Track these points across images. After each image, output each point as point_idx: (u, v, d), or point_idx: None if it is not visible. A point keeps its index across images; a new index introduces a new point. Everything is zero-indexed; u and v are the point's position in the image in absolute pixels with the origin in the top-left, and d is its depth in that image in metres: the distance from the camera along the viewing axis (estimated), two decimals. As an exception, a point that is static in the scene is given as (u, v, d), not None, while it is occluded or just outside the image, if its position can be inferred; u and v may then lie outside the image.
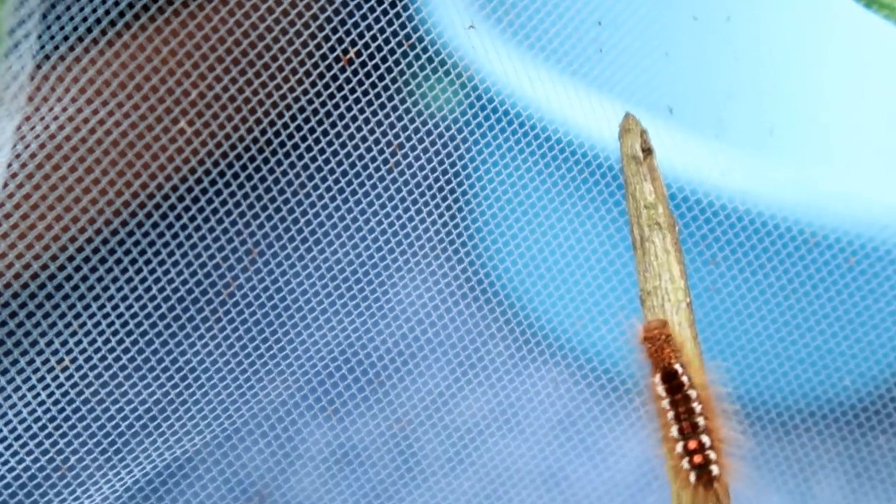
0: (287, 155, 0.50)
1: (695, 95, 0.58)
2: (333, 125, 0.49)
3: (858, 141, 0.73)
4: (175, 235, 0.48)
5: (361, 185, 0.52)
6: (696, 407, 0.37)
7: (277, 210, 0.53)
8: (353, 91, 0.47)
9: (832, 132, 0.72)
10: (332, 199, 0.52)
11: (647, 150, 0.45)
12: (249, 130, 0.57)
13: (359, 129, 0.49)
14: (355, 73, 0.47)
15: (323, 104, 0.48)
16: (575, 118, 0.56)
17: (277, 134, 0.51)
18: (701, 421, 0.37)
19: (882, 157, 0.72)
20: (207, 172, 0.51)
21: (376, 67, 0.47)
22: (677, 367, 0.38)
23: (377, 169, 0.51)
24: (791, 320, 0.57)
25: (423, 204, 0.51)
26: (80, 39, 0.34)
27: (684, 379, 0.38)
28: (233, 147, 0.57)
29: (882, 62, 0.70)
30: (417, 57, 0.49)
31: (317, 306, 0.55)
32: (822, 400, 0.65)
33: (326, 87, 0.48)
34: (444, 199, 0.56)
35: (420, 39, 0.50)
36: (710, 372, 0.38)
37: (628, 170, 0.45)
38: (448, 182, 0.62)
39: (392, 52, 0.47)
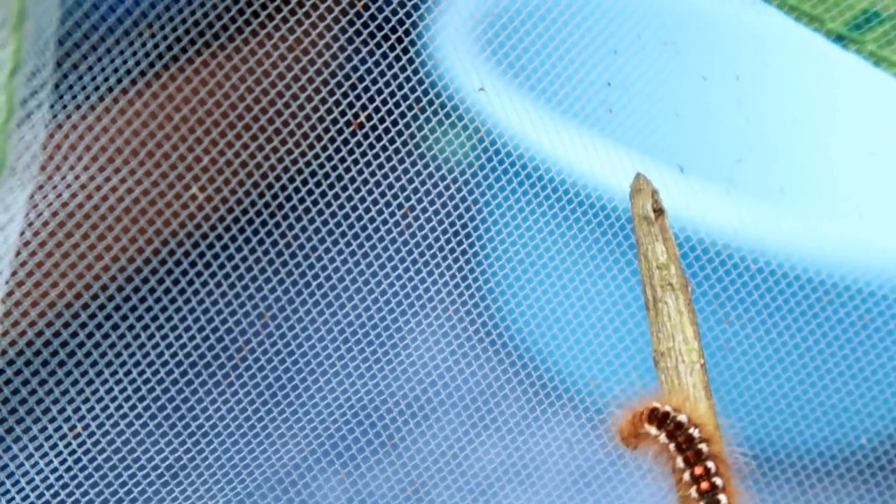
0: (299, 215, 0.50)
1: (705, 154, 0.58)
2: (344, 182, 0.50)
3: (869, 196, 0.73)
4: (187, 300, 0.48)
5: (374, 240, 0.52)
6: (696, 433, 0.37)
7: (290, 273, 0.53)
8: (363, 145, 0.47)
9: (843, 189, 0.72)
10: (345, 255, 0.52)
11: (659, 211, 0.45)
12: (261, 195, 0.57)
13: (370, 183, 0.49)
14: (363, 126, 0.47)
15: (334, 162, 0.48)
16: (587, 170, 0.56)
17: (289, 195, 0.51)
18: (704, 447, 0.37)
19: (893, 210, 0.72)
20: (219, 237, 0.51)
21: (387, 121, 0.47)
22: (665, 408, 0.38)
23: (390, 224, 0.51)
24: (806, 378, 0.57)
25: (436, 257, 0.51)
26: (92, 108, 0.35)
27: (678, 416, 0.38)
28: (244, 210, 0.57)
29: (890, 118, 0.71)
30: (431, 110, 0.50)
31: (329, 368, 0.55)
32: (836, 453, 0.64)
33: (337, 143, 0.48)
34: (457, 252, 0.56)
35: (434, 94, 0.50)
36: (723, 429, 0.38)
37: (640, 230, 0.45)
38: (461, 235, 0.62)
39: (403, 105, 0.47)
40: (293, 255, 0.53)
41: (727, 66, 0.56)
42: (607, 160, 0.51)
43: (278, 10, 0.43)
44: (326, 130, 0.48)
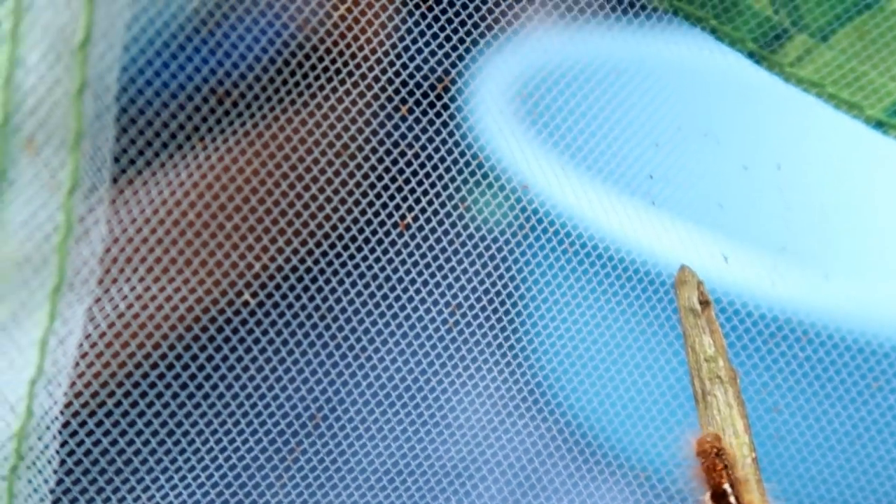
0: (341, 288, 0.50)
1: (749, 243, 0.58)
2: (383, 248, 0.50)
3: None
4: (240, 405, 0.49)
5: (415, 301, 0.52)
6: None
7: (334, 365, 0.54)
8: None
9: (888, 273, 0.72)
10: (386, 322, 0.52)
11: (705, 302, 0.46)
12: (298, 278, 0.58)
13: (408, 247, 0.50)
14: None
15: (373, 226, 0.49)
16: (630, 236, 0.57)
17: (334, 270, 0.51)
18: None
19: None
20: (265, 332, 0.52)
21: (425, 184, 0.48)
22: (726, 486, 0.38)
23: (430, 285, 0.52)
24: (857, 466, 0.56)
25: (477, 319, 0.52)
26: (147, 220, 0.36)
27: (732, 500, 0.38)
28: (284, 296, 0.58)
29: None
30: (471, 174, 0.50)
31: (380, 469, 0.55)
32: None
33: (377, 208, 0.48)
34: (498, 313, 0.57)
35: (473, 157, 0.51)
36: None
37: (686, 322, 0.46)
38: (501, 296, 0.63)
39: (440, 168, 0.48)
40: (332, 333, 0.53)
41: (768, 155, 0.56)
42: (651, 221, 0.52)
43: (316, 78, 0.45)
44: (371, 205, 0.48)
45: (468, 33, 0.48)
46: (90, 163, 0.33)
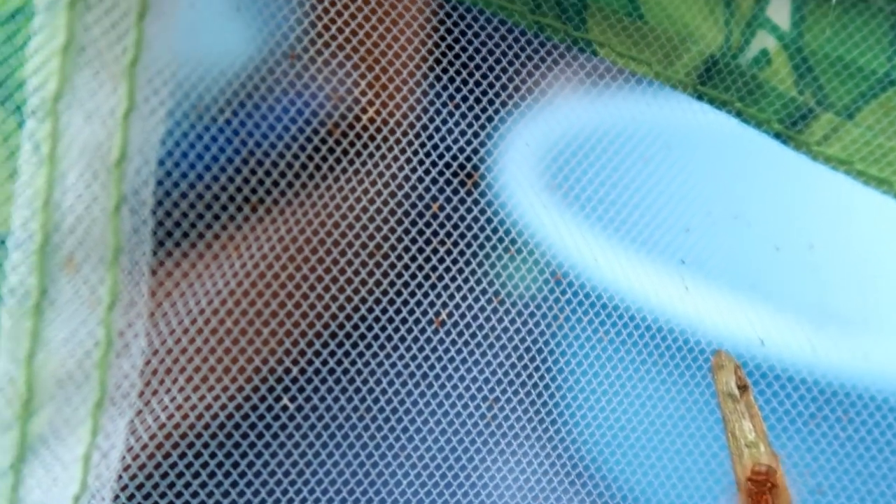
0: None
1: (784, 324, 0.58)
2: (416, 314, 0.50)
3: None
4: (276, 495, 0.49)
5: (449, 370, 0.52)
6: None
7: (369, 456, 0.54)
8: (428, 277, 0.48)
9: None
10: (415, 397, 0.52)
11: (743, 387, 0.46)
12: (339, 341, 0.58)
13: (439, 314, 0.50)
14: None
15: (404, 298, 0.49)
16: (664, 304, 0.57)
17: (366, 362, 0.52)
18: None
19: None
20: (285, 409, 0.52)
21: (454, 252, 0.48)
22: None
23: (464, 353, 0.52)
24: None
25: (511, 368, 0.52)
26: (186, 331, 0.36)
27: None
28: (317, 372, 0.58)
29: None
30: (495, 232, 0.51)
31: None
32: None
33: (406, 279, 0.49)
34: (532, 381, 0.56)
35: (505, 232, 0.51)
36: None
37: (725, 407, 0.45)
38: (534, 363, 0.62)
39: (467, 237, 0.49)
40: (365, 424, 0.53)
41: (799, 236, 0.56)
42: (685, 286, 0.52)
43: (344, 152, 0.45)
44: (399, 257, 0.49)
45: (494, 103, 0.49)
46: (128, 277, 0.34)
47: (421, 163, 0.48)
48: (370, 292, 0.52)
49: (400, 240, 0.49)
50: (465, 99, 0.48)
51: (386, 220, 0.50)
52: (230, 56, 0.44)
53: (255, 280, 0.46)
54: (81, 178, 0.33)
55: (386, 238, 0.50)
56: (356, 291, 0.50)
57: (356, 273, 0.50)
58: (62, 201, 0.33)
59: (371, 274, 0.50)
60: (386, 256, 0.49)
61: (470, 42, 0.47)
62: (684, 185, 0.56)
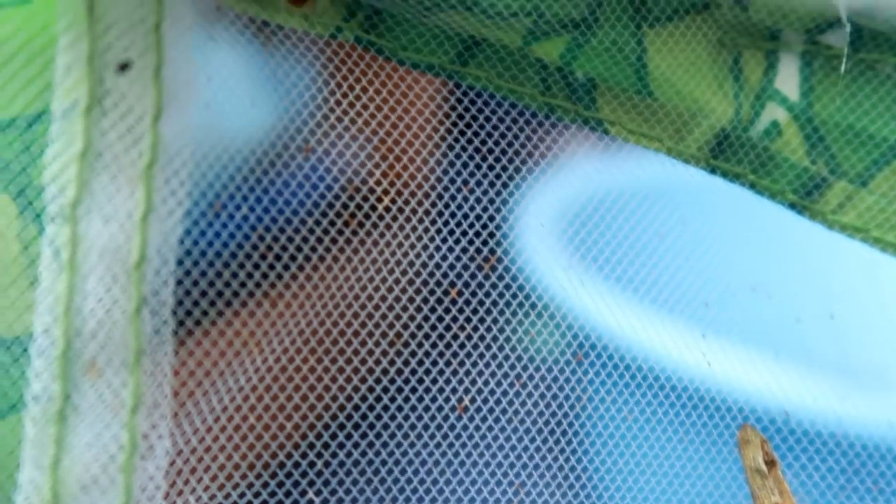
0: (390, 419, 0.50)
1: (809, 395, 0.58)
2: (434, 381, 0.50)
3: None
4: None
5: (470, 429, 0.52)
6: None
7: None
8: (452, 341, 0.48)
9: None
10: (440, 485, 0.52)
11: (771, 462, 0.45)
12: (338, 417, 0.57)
13: (465, 382, 0.50)
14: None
15: (425, 364, 0.49)
16: (689, 363, 0.56)
17: (375, 403, 0.51)
18: None
19: None
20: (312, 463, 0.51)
21: (475, 312, 0.48)
22: None
23: (490, 420, 0.51)
24: None
25: (536, 451, 0.51)
26: (210, 429, 0.36)
27: None
28: (341, 445, 0.58)
29: None
30: (519, 304, 0.51)
31: None
32: None
33: (426, 348, 0.49)
34: (559, 463, 0.56)
35: (523, 295, 0.51)
36: None
37: (754, 483, 0.45)
38: (560, 443, 0.62)
39: (486, 300, 0.49)
40: (379, 466, 0.52)
41: (820, 306, 0.56)
42: (708, 354, 0.52)
43: (360, 225, 0.45)
44: (420, 345, 0.49)
45: (508, 171, 0.49)
46: (151, 379, 0.34)
47: (438, 243, 0.48)
48: (390, 379, 0.52)
49: (420, 326, 0.49)
50: (478, 167, 0.49)
51: (401, 301, 0.50)
52: (246, 151, 0.45)
53: (275, 372, 0.46)
54: (101, 282, 0.33)
55: (405, 324, 0.50)
56: (375, 378, 0.50)
57: (374, 358, 0.50)
58: (83, 306, 0.33)
59: (390, 360, 0.50)
60: (406, 343, 0.49)
61: (481, 116, 0.47)
62: (702, 259, 0.56)
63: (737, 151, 0.47)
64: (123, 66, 0.33)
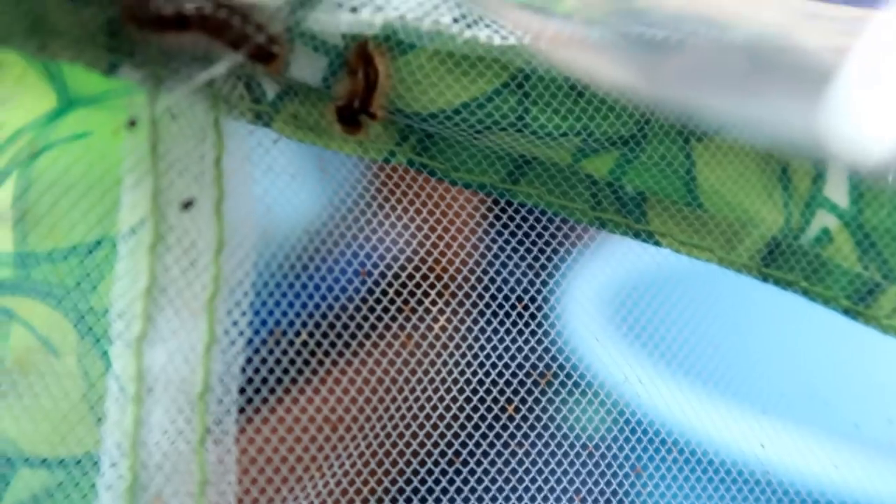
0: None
1: (869, 490, 0.57)
2: (482, 463, 0.50)
3: None
4: None
5: None
6: None
7: None
8: (507, 428, 0.48)
9: None
10: None
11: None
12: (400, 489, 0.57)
13: (512, 464, 0.49)
14: (505, 410, 0.48)
15: (477, 444, 0.48)
16: (743, 448, 0.56)
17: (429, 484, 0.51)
18: None
19: None
20: None
21: (522, 395, 0.48)
22: None
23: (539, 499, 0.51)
24: None
25: None
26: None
27: None
28: None
29: None
30: (563, 384, 0.50)
31: None
32: None
33: (475, 422, 0.48)
34: None
35: (566, 366, 0.51)
36: None
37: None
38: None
39: (531, 377, 0.48)
40: None
41: (878, 412, 0.56)
42: (762, 436, 0.52)
43: (405, 303, 0.46)
44: (469, 418, 0.48)
45: (550, 246, 0.49)
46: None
47: (490, 310, 0.49)
48: (443, 466, 0.52)
49: (470, 418, 0.49)
50: (518, 249, 0.49)
51: (450, 394, 0.50)
52: (300, 265, 0.45)
53: (335, 494, 0.46)
54: (167, 414, 0.33)
55: (454, 437, 0.50)
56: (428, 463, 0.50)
57: (420, 442, 0.50)
58: (148, 439, 0.33)
59: (439, 448, 0.50)
60: (455, 434, 0.49)
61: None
62: (756, 368, 0.56)
63: (788, 259, 0.47)
64: (187, 204, 0.34)
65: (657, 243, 0.47)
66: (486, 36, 0.36)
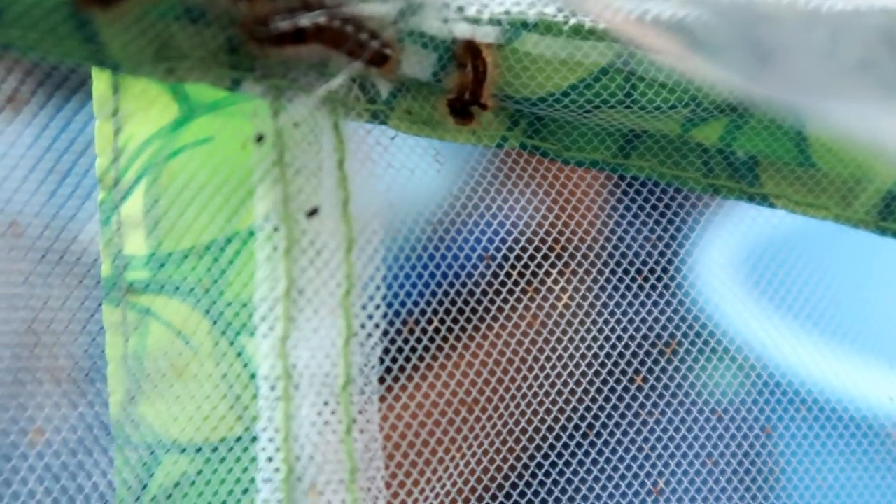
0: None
1: None
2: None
3: None
4: None
5: (654, 475, 0.52)
6: None
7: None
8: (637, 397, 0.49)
9: None
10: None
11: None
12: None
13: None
14: (633, 381, 0.49)
15: (603, 416, 0.49)
16: (870, 398, 0.55)
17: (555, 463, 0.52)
18: None
19: None
20: None
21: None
22: None
23: (672, 465, 0.51)
24: None
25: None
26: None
27: None
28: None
29: None
30: (688, 351, 0.51)
31: None
32: None
33: (606, 395, 0.49)
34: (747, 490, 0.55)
35: (704, 327, 0.51)
36: None
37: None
38: (748, 472, 0.61)
39: (659, 343, 0.49)
40: None
41: None
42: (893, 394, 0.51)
43: (534, 275, 0.47)
44: (599, 391, 0.49)
45: (666, 217, 0.50)
46: (367, 494, 0.36)
47: (616, 277, 0.49)
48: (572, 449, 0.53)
49: (602, 408, 0.50)
50: (652, 215, 0.50)
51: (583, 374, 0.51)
52: (429, 251, 0.47)
53: (482, 470, 0.47)
54: (314, 408, 0.35)
55: (581, 398, 0.51)
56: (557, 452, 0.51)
57: (554, 417, 0.51)
58: (299, 433, 0.35)
59: (573, 422, 0.51)
60: (587, 409, 0.50)
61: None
62: (881, 323, 0.56)
63: (907, 211, 0.47)
64: (313, 212, 0.36)
65: (772, 205, 0.47)
66: (591, 20, 0.37)
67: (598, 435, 0.49)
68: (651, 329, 0.49)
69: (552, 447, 0.49)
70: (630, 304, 0.49)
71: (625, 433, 0.49)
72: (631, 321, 0.48)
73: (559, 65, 0.39)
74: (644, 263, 0.50)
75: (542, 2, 0.36)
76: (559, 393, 0.46)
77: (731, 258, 0.67)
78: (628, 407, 0.49)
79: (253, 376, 0.36)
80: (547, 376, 0.46)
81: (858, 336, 0.57)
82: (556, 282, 0.47)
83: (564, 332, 0.46)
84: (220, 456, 0.37)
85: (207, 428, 0.37)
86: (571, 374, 0.47)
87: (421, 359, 0.40)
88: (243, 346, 0.37)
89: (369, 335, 0.37)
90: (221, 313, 0.37)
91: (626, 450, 0.49)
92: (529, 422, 0.47)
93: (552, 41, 0.38)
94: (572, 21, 0.37)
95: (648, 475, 0.49)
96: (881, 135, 0.40)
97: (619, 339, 0.48)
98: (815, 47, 0.39)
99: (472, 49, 0.38)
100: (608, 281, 0.49)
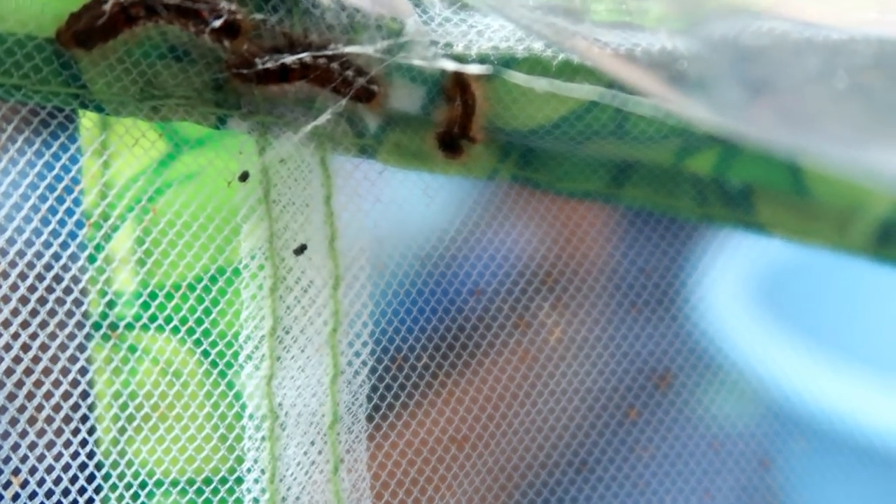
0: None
1: None
2: (626, 457, 0.50)
3: None
4: None
5: (660, 493, 0.51)
6: None
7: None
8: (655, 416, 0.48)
9: None
10: None
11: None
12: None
13: (657, 457, 0.50)
14: (627, 415, 0.48)
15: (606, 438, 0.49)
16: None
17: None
18: None
19: None
20: None
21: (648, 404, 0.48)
22: None
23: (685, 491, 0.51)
24: None
25: None
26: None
27: None
28: None
29: None
30: (699, 376, 0.51)
31: None
32: None
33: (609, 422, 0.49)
34: None
35: (701, 357, 0.51)
36: None
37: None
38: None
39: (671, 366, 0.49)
40: None
41: None
42: None
43: (544, 300, 0.46)
44: (592, 426, 0.49)
45: (659, 248, 0.50)
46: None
47: (627, 301, 0.49)
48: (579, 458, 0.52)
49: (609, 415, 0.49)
50: (643, 246, 0.49)
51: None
52: (419, 284, 0.46)
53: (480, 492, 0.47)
54: (300, 448, 0.35)
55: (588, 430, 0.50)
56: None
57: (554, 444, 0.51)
58: (286, 473, 0.35)
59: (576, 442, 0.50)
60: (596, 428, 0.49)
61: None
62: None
63: (905, 237, 0.46)
64: (300, 250, 0.35)
65: (768, 234, 0.47)
66: (578, 58, 0.37)
67: (592, 471, 0.48)
68: (645, 362, 0.49)
69: (544, 484, 0.49)
70: (624, 337, 0.48)
71: (618, 468, 0.49)
72: (625, 354, 0.48)
73: (549, 96, 0.39)
74: (638, 295, 0.49)
75: (531, 38, 0.36)
76: (551, 428, 0.46)
77: (730, 286, 0.66)
78: (622, 442, 0.49)
79: (244, 406, 0.36)
80: (539, 411, 0.46)
81: (870, 357, 0.56)
82: (548, 315, 0.46)
83: (556, 366, 0.46)
84: (214, 488, 0.36)
85: (200, 460, 0.37)
86: (564, 409, 0.46)
87: (410, 396, 0.39)
88: (233, 380, 0.36)
89: (357, 373, 0.36)
90: (213, 346, 0.37)
91: (620, 485, 0.48)
92: (521, 458, 0.46)
93: (540, 74, 0.38)
94: (560, 57, 0.37)
95: (643, 511, 0.48)
96: (875, 164, 0.40)
97: (613, 372, 0.48)
98: (809, 75, 0.39)
99: (460, 83, 0.38)
100: (601, 313, 0.48)
